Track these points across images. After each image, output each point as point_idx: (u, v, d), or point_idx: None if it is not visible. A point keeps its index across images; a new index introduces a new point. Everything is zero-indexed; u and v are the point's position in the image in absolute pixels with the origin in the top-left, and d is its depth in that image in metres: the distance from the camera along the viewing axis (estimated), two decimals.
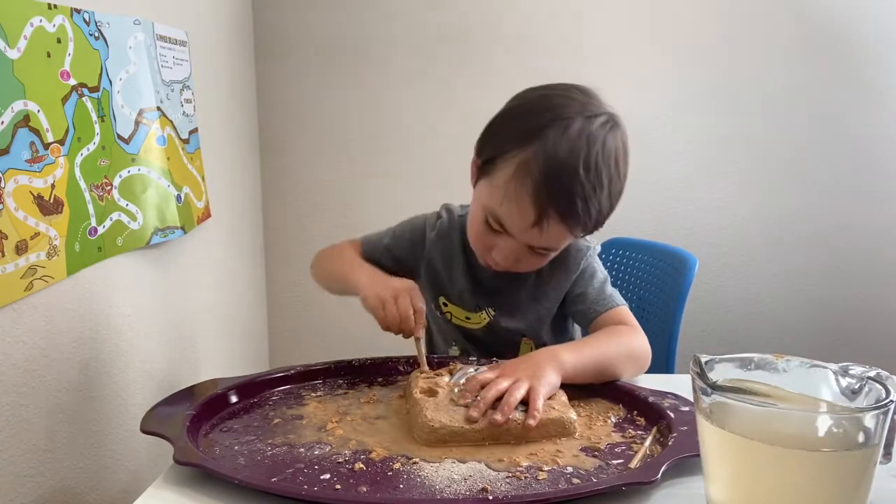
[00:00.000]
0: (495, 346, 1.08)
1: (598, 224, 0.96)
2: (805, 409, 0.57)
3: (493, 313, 1.08)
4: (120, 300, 1.12)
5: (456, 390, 0.84)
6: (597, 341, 0.96)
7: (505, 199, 0.93)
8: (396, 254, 1.12)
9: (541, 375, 0.82)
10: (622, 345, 0.95)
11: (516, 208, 0.92)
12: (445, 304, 1.11)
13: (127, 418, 1.14)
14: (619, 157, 0.94)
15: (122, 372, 1.13)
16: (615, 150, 0.93)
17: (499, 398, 0.79)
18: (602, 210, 0.94)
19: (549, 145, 0.90)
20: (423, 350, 0.95)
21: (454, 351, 1.12)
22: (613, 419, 0.83)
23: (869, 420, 0.52)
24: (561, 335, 1.10)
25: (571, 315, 1.09)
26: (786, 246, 1.85)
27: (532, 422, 0.77)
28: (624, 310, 1.03)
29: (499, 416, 0.76)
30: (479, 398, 0.80)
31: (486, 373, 0.85)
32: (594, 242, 1.09)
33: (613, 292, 1.05)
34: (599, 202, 0.92)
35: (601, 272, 1.07)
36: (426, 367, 0.93)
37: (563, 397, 0.83)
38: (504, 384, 0.81)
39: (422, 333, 0.94)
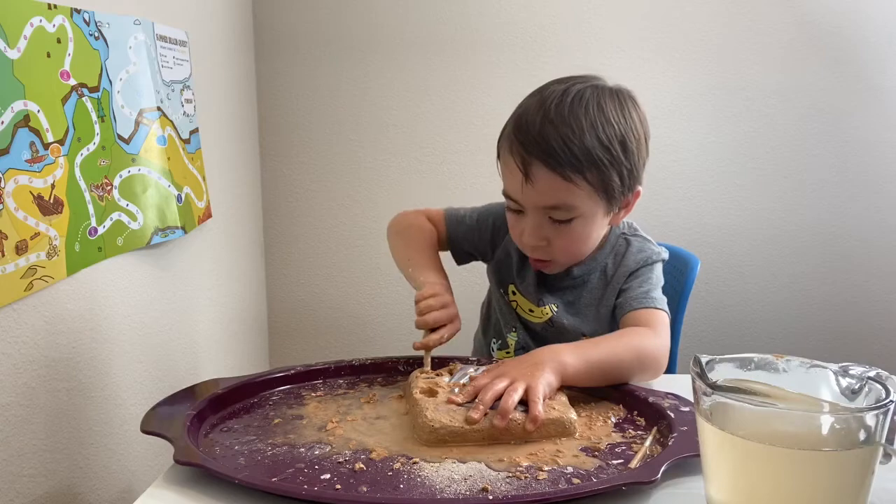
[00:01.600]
0: (553, 342, 1.06)
1: (599, 166, 0.93)
2: (805, 409, 0.57)
3: (555, 309, 1.07)
4: (120, 300, 1.12)
5: (456, 390, 0.83)
6: (604, 342, 0.92)
7: (502, 171, 0.99)
8: (478, 237, 1.14)
9: (538, 375, 0.81)
10: (630, 347, 0.91)
11: (508, 172, 0.98)
12: (514, 293, 1.11)
13: (127, 418, 1.14)
14: (603, 101, 0.95)
15: (122, 372, 1.13)
16: (597, 96, 0.95)
17: (498, 398, 0.79)
18: (593, 150, 0.92)
19: (522, 106, 0.98)
20: (429, 360, 0.94)
21: (512, 337, 1.11)
22: (613, 419, 0.83)
23: (869, 420, 0.52)
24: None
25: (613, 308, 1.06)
26: (787, 246, 1.85)
27: (531, 426, 0.76)
28: (658, 313, 0.98)
29: (497, 421, 0.76)
30: (477, 400, 0.79)
31: (481, 377, 0.84)
32: (664, 253, 1.07)
33: (659, 297, 1.01)
34: (582, 140, 0.92)
35: (657, 277, 1.04)
36: (428, 369, 0.93)
37: (563, 397, 0.83)
38: (500, 385, 0.80)
39: (431, 346, 0.93)
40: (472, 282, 1.23)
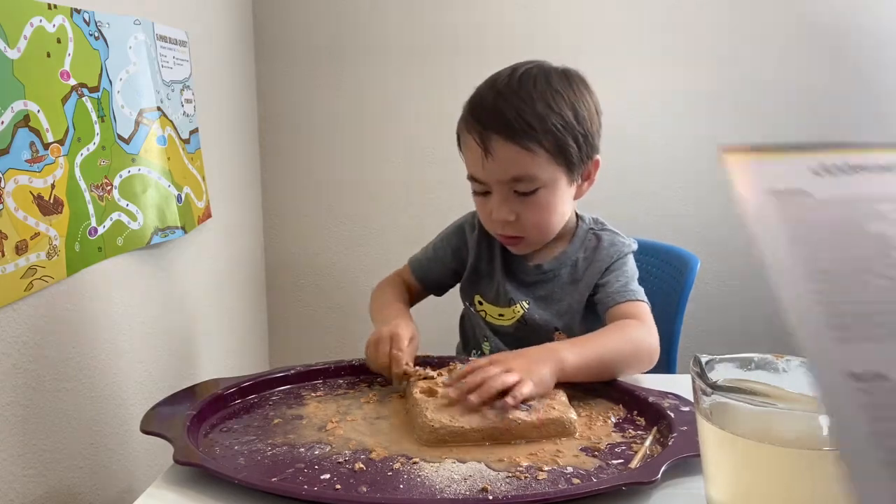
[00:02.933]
0: (527, 342, 1.04)
1: (554, 132, 0.96)
2: (805, 409, 0.57)
3: (526, 306, 1.07)
4: (120, 300, 1.12)
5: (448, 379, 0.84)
6: (599, 337, 0.94)
7: (464, 154, 1.03)
8: (441, 267, 1.17)
9: (534, 371, 0.82)
10: (625, 340, 0.94)
11: (468, 151, 1.02)
12: (480, 303, 1.12)
13: (127, 418, 1.14)
14: (551, 77, 0.99)
15: (122, 372, 1.13)
16: (544, 73, 0.99)
17: (497, 398, 0.79)
18: (546, 118, 0.96)
19: (475, 91, 1.03)
20: (416, 371, 0.93)
21: (486, 346, 1.12)
22: (613, 419, 0.83)
23: None
24: (592, 328, 1.08)
25: (594, 304, 1.07)
26: None
27: (511, 400, 0.77)
28: (641, 305, 1.01)
29: (473, 398, 0.77)
30: (466, 379, 0.80)
31: (478, 360, 0.85)
32: (634, 244, 1.09)
33: (637, 288, 1.04)
34: (534, 108, 0.96)
35: (631, 269, 1.06)
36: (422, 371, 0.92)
37: (563, 397, 0.83)
38: (493, 371, 0.80)
39: (401, 371, 0.91)
40: (445, 298, 1.24)
